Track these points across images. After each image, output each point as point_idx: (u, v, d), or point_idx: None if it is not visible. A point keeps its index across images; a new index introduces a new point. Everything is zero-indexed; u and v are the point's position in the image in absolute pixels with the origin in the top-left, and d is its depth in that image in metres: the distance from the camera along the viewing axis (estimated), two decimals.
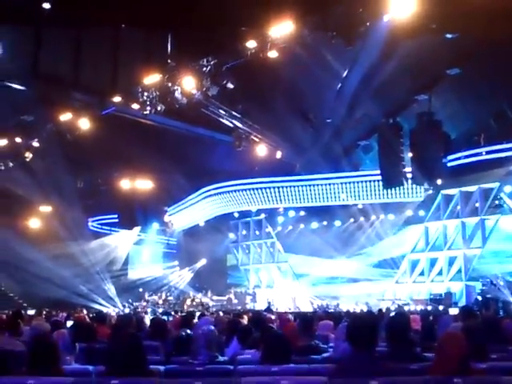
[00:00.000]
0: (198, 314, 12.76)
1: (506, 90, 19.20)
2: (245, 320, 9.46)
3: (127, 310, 25.04)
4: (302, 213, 28.71)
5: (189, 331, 6.28)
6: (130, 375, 4.52)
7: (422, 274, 25.08)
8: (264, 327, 7.73)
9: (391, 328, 5.41)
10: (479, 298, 21.32)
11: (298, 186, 26.81)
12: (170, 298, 28.81)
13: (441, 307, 19.54)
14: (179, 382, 4.67)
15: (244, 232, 31.48)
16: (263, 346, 5.42)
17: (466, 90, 19.92)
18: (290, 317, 10.90)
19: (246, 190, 27.86)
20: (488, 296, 20.69)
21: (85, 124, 20.81)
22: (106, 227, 31.42)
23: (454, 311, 15.16)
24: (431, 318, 10.86)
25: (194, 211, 30.35)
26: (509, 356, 5.25)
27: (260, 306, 25.86)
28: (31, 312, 17.66)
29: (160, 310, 23.63)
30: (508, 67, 17.66)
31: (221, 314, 14.63)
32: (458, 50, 18.05)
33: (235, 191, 28.23)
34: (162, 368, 5.20)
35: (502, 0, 13.70)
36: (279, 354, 5.18)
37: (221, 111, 22.01)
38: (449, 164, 21.71)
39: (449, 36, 17.48)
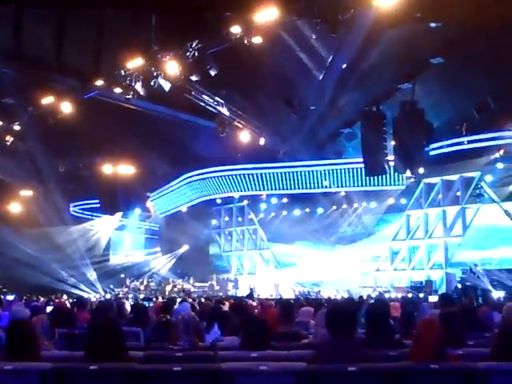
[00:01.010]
0: (179, 300, 12.76)
1: (488, 79, 19.29)
2: (226, 306, 9.49)
3: (108, 296, 24.99)
4: (285, 200, 28.76)
5: (168, 317, 6.29)
6: (108, 361, 4.52)
7: (402, 261, 25.31)
8: (244, 313, 7.77)
9: (370, 315, 5.46)
10: (459, 285, 21.58)
11: (280, 173, 26.86)
12: (152, 284, 28.79)
13: (421, 295, 19.78)
14: (158, 367, 4.66)
15: (226, 218, 31.50)
16: (243, 332, 5.44)
17: (449, 80, 19.97)
18: (272, 303, 10.93)
19: (228, 176, 27.85)
20: (467, 284, 20.95)
21: (67, 108, 20.56)
22: (87, 212, 31.22)
23: (433, 299, 15.34)
24: (411, 305, 10.98)
25: (177, 197, 30.29)
26: (485, 342, 5.31)
27: (242, 292, 25.94)
28: (10, 297, 17.53)
29: (141, 296, 23.61)
30: (491, 57, 17.74)
31: (202, 300, 14.64)
32: (441, 39, 18.08)
33: (218, 177, 28.21)
34: (141, 354, 5.18)
35: None
36: (259, 340, 5.20)
37: (204, 97, 21.86)
38: (431, 153, 21.83)
39: (433, 25, 17.47)
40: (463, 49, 18.08)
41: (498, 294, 19.84)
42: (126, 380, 4.49)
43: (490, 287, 20.76)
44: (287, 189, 27.14)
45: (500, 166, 22.21)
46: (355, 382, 4.34)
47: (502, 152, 21.65)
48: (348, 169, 25.64)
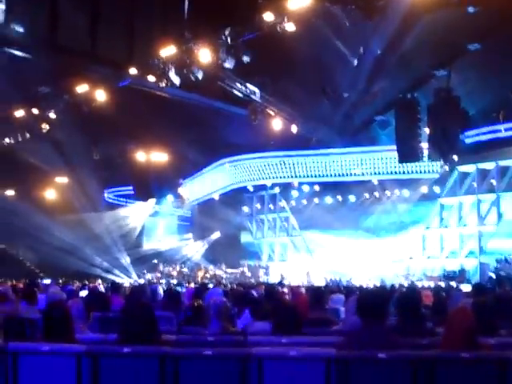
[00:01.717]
0: (211, 286, 12.89)
1: None
2: (262, 289, 9.58)
3: (142, 281, 25.33)
4: (317, 187, 28.67)
5: (200, 302, 6.36)
6: (141, 344, 4.61)
7: (435, 250, 25.06)
8: (275, 299, 7.82)
9: (402, 303, 5.45)
10: (493, 275, 21.28)
11: (313, 161, 26.77)
12: (184, 269, 29.07)
13: (453, 284, 19.58)
14: (190, 351, 4.73)
15: (258, 206, 31.57)
16: (274, 317, 5.48)
17: (486, 66, 19.61)
18: (303, 290, 10.97)
19: (260, 163, 27.87)
20: (502, 273, 20.64)
21: (101, 96, 20.79)
22: (121, 199, 31.65)
23: (466, 288, 15.18)
24: (443, 294, 10.88)
25: (209, 184, 30.44)
26: None
27: (273, 279, 26.03)
28: (47, 281, 17.92)
29: (174, 282, 23.87)
30: None
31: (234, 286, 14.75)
32: (479, 25, 17.70)
33: (250, 164, 28.25)
34: (173, 337, 5.27)
35: None
36: (289, 326, 5.23)
37: (237, 84, 21.86)
38: (466, 140, 21.49)
39: (470, 10, 17.13)
40: (501, 35, 17.72)
41: None
42: (159, 363, 4.57)
43: None
44: (319, 176, 27.07)
45: None
46: (385, 370, 4.34)
47: None
48: (381, 156, 25.41)
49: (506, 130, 21.87)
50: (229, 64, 18.75)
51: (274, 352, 4.61)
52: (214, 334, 5.46)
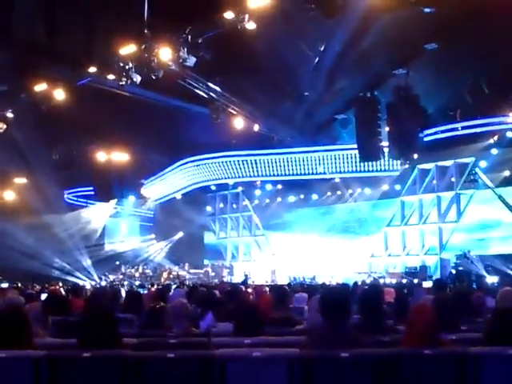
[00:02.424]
0: (173, 286, 12.78)
1: (482, 65, 19.25)
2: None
3: (104, 283, 25.00)
4: (280, 186, 28.74)
5: (162, 304, 6.29)
6: (101, 348, 4.52)
7: (397, 247, 25.37)
8: (238, 300, 7.79)
9: (364, 300, 5.48)
10: (453, 271, 21.67)
11: (275, 159, 26.81)
12: (147, 270, 28.79)
13: (415, 280, 19.84)
14: (152, 354, 4.66)
15: (221, 205, 31.50)
16: (235, 318, 5.44)
17: (444, 65, 19.89)
18: (266, 289, 10.96)
19: (223, 162, 27.79)
20: (461, 269, 21.04)
21: (60, 95, 20.43)
22: (81, 200, 31.14)
23: (427, 284, 15.40)
24: (405, 290, 11.02)
25: (171, 184, 30.23)
26: (478, 327, 5.33)
27: (237, 279, 26.00)
28: (5, 285, 17.51)
29: (137, 283, 23.63)
30: (484, 43, 17.67)
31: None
32: (435, 25, 17.98)
33: (212, 164, 28.14)
34: (135, 340, 5.18)
35: None
36: (251, 326, 5.20)
37: (198, 83, 21.74)
38: (425, 139, 21.80)
39: (427, 10, 17.39)
40: (457, 34, 17.99)
41: (491, 280, 19.94)
42: (120, 367, 4.50)
43: (484, 273, 20.86)
44: (282, 175, 27.10)
45: (494, 151, 22.21)
46: (348, 368, 4.35)
47: (496, 138, 21.65)
48: (342, 155, 25.60)
49: (462, 128, 22.26)
50: (190, 63, 18.65)
51: (236, 353, 4.58)
52: (176, 336, 5.39)
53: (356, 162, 24.53)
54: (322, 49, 20.68)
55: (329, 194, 28.58)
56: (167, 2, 18.52)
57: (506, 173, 22.62)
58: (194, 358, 4.62)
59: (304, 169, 26.49)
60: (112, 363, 4.51)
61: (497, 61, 18.33)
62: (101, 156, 27.85)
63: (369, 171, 25.33)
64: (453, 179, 23.89)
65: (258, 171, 27.28)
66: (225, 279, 26.41)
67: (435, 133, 22.50)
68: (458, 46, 18.43)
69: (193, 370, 4.57)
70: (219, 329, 6.20)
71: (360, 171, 25.48)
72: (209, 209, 32.07)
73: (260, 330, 5.28)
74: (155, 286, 16.62)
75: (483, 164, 22.92)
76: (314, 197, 29.01)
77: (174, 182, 29.99)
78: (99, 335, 4.62)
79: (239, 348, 4.80)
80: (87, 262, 27.41)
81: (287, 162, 26.64)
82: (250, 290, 12.49)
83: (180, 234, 31.39)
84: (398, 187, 26.24)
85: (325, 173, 26.29)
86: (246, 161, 27.24)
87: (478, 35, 17.29)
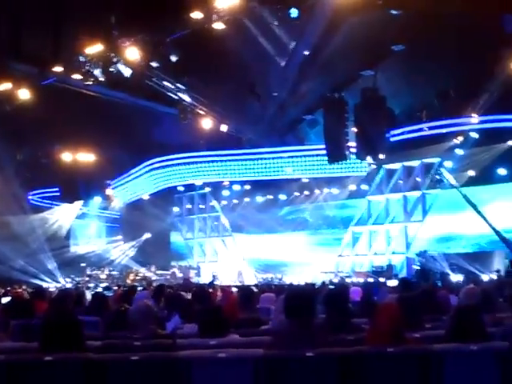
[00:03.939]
0: (139, 288, 12.66)
1: (448, 66, 19.53)
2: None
3: (69, 285, 24.63)
4: (247, 187, 28.70)
5: (127, 306, 6.21)
6: (64, 351, 4.43)
7: (364, 246, 25.58)
8: (205, 301, 7.74)
9: (329, 300, 5.48)
10: (417, 268, 21.92)
11: (243, 160, 26.75)
12: (114, 272, 28.45)
13: (382, 279, 20.05)
14: (115, 357, 4.58)
15: (189, 206, 31.33)
16: (201, 319, 5.40)
17: (411, 67, 20.15)
18: (233, 290, 10.93)
19: (190, 163, 27.61)
20: (426, 267, 21.30)
21: (24, 94, 20.10)
22: (46, 201, 30.60)
23: (393, 283, 15.55)
24: (372, 289, 11.09)
25: (138, 185, 29.92)
26: (442, 325, 5.38)
27: (204, 280, 25.88)
28: None
29: (103, 285, 23.34)
30: (451, 46, 17.95)
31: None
32: (403, 27, 18.18)
33: (180, 164, 27.94)
34: (98, 343, 5.10)
35: None
36: (217, 328, 5.16)
37: (165, 83, 21.61)
38: (392, 139, 22.05)
39: (394, 12, 17.58)
40: (424, 37, 18.23)
41: (456, 278, 20.25)
42: (83, 370, 4.42)
43: (449, 271, 21.18)
44: (250, 176, 27.05)
45: (459, 152, 22.55)
46: (313, 368, 4.34)
47: (461, 138, 21.99)
48: (310, 155, 25.69)
49: (429, 128, 22.56)
50: (157, 62, 18.57)
51: (201, 355, 4.54)
52: (141, 339, 5.31)
53: (324, 162, 24.65)
54: (290, 49, 20.76)
55: (297, 194, 28.66)
56: (135, 2, 18.40)
57: (471, 172, 22.98)
58: (158, 360, 4.56)
59: (272, 169, 26.49)
60: (74, 367, 4.44)
61: (463, 62, 18.61)
62: (66, 156, 27.44)
63: (336, 171, 25.46)
64: (419, 179, 24.19)
65: (225, 172, 27.18)
66: (192, 280, 26.26)
67: (402, 133, 22.75)
68: (424, 48, 18.69)
69: (157, 372, 4.53)
70: (185, 330, 6.14)
71: (328, 171, 25.58)
72: (176, 209, 31.85)
73: (226, 331, 5.24)
74: (122, 288, 16.44)
75: (448, 164, 23.25)
76: (282, 197, 29.06)
77: (140, 182, 29.71)
78: (61, 338, 4.53)
79: (205, 349, 4.75)
80: (52, 265, 26.96)
81: (255, 162, 26.61)
82: (218, 291, 12.45)
83: (147, 235, 31.12)
84: (365, 187, 26.45)
85: (293, 174, 26.34)
86: (214, 161, 27.13)
87: (444, 38, 17.56)
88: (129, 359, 4.50)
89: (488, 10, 16.14)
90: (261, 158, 26.43)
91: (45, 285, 23.11)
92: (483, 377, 4.45)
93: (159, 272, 28.22)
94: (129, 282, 25.62)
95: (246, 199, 29.87)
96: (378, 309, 4.68)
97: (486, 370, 4.45)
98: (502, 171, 22.26)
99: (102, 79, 18.90)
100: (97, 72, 18.76)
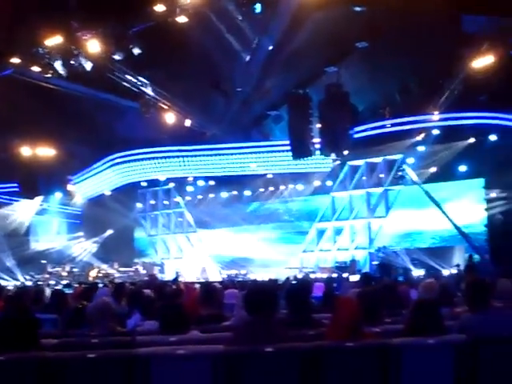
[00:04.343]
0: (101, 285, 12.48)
1: (411, 64, 19.75)
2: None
3: (29, 283, 24.16)
4: (212, 182, 28.56)
5: (85, 303, 6.10)
6: (19, 349, 4.32)
7: (328, 242, 25.74)
8: (166, 298, 7.67)
9: (291, 295, 5.47)
10: (378, 264, 22.15)
11: (207, 155, 26.58)
12: (75, 269, 28.02)
13: (345, 274, 20.19)
14: (72, 355, 4.47)
15: (152, 202, 31.02)
16: (161, 316, 5.34)
17: (374, 64, 20.31)
18: (196, 286, 10.85)
19: (154, 158, 27.31)
20: (386, 262, 21.55)
21: None
22: (5, 197, 29.94)
23: (355, 278, 15.67)
24: (335, 284, 11.17)
25: (100, 180, 29.47)
26: (402, 319, 5.42)
27: (168, 276, 25.70)
28: None
29: (63, 282, 22.96)
30: (413, 43, 18.14)
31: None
32: (366, 24, 18.33)
33: (143, 159, 27.61)
34: (55, 341, 4.99)
35: None
36: (176, 324, 5.10)
37: (128, 77, 21.32)
38: (355, 136, 22.18)
39: (357, 9, 17.70)
40: (387, 34, 18.40)
41: (418, 273, 20.53)
42: (38, 369, 4.30)
43: (411, 266, 21.46)
44: (214, 171, 26.91)
45: (421, 148, 22.85)
46: (273, 363, 4.32)
47: (422, 135, 22.27)
48: (275, 151, 25.69)
49: (391, 125, 22.78)
50: (119, 56, 18.31)
51: (160, 351, 4.48)
52: (99, 336, 5.22)
53: (288, 158, 24.70)
54: (254, 45, 20.70)
55: (262, 190, 28.66)
56: None
57: (432, 169, 23.31)
58: (116, 358, 4.48)
59: (237, 165, 26.40)
60: (29, 366, 4.33)
61: (425, 61, 18.84)
62: (25, 151, 26.84)
63: (301, 167, 25.54)
64: (382, 175, 24.44)
65: (189, 167, 26.94)
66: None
67: (365, 130, 22.91)
68: (388, 46, 18.85)
69: (115, 370, 4.45)
70: (146, 327, 6.07)
71: (292, 167, 25.64)
72: (139, 205, 31.50)
73: (186, 328, 5.18)
74: (82, 286, 16.19)
75: (411, 161, 23.55)
76: (247, 193, 29.02)
77: (103, 177, 29.27)
78: (17, 336, 4.42)
79: (164, 346, 4.68)
80: (11, 262, 26.41)
81: (219, 158, 26.47)
82: (181, 287, 12.35)
83: (109, 232, 30.72)
84: (329, 183, 26.60)
85: (257, 169, 26.31)
86: (178, 156, 26.89)
87: (407, 35, 17.74)
88: (86, 357, 4.40)
89: (448, 10, 16.40)
90: (225, 154, 26.29)
91: (3, 283, 22.62)
92: (440, 369, 4.50)
93: (122, 269, 27.92)
94: (90, 279, 25.27)
95: (211, 195, 29.75)
96: (337, 304, 4.67)
97: (443, 363, 4.50)
98: (462, 168, 22.62)
99: (62, 72, 18.53)
100: (57, 64, 18.39)
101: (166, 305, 5.62)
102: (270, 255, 27.23)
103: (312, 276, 21.37)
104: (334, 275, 20.54)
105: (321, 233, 26.03)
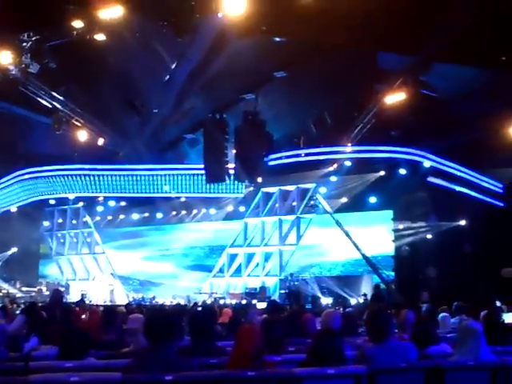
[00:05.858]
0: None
1: (326, 96, 20.26)
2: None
3: None
4: (123, 203, 28.01)
5: None
6: None
7: (239, 268, 25.75)
8: (67, 321, 7.39)
9: (194, 322, 5.38)
10: (287, 291, 22.33)
11: (119, 175, 26.06)
12: None
13: (255, 301, 20.22)
14: None
15: (60, 220, 30.04)
16: (60, 341, 5.12)
17: (291, 93, 20.67)
18: (99, 310, 10.50)
19: (64, 175, 26.48)
20: (295, 290, 21.78)
21: None
22: None
23: (263, 305, 15.71)
24: (243, 311, 11.10)
25: (5, 196, 28.19)
26: (305, 348, 5.44)
27: (73, 298, 24.79)
28: None
29: None
30: (329, 75, 18.65)
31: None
32: (285, 54, 18.70)
33: (51, 177, 26.71)
34: None
35: (329, 10, 14.36)
36: (76, 349, 4.90)
37: (41, 91, 20.63)
38: (270, 163, 22.47)
39: (277, 39, 18.04)
40: (304, 65, 18.85)
41: (326, 301, 20.87)
42: None
43: (320, 294, 21.78)
44: (126, 192, 26.39)
45: (333, 178, 23.42)
46: None
47: (335, 166, 22.85)
48: (189, 174, 25.57)
49: (305, 154, 23.26)
50: (33, 69, 17.73)
51: (52, 378, 4.26)
52: None
53: (202, 182, 24.64)
54: (173, 67, 20.61)
55: (174, 212, 28.38)
56: (10, 3, 17.46)
57: (343, 199, 23.89)
58: None
59: (149, 187, 26.02)
60: None
61: (340, 94, 19.38)
62: None
63: (214, 192, 25.53)
64: (294, 203, 24.83)
65: (100, 187, 26.32)
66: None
67: (280, 158, 23.27)
68: (305, 77, 19.29)
69: None
70: (43, 352, 5.78)
71: (206, 192, 25.58)
72: (46, 224, 30.38)
73: (84, 353, 4.97)
74: None
75: (323, 190, 24.06)
76: (159, 215, 28.64)
77: (8, 193, 28.02)
78: None
79: (60, 372, 4.46)
80: None
81: (132, 179, 26.02)
82: (84, 311, 11.93)
83: (13, 250, 29.36)
84: (242, 209, 26.73)
85: (170, 192, 26.05)
86: (89, 175, 26.20)
87: (324, 69, 18.24)
88: None
89: (365, 45, 17.01)
90: (138, 175, 25.90)
91: None
92: None
93: (25, 288, 26.71)
94: None
95: (122, 216, 29.13)
96: (239, 332, 4.63)
97: None
98: (372, 199, 23.31)
99: None
100: None
101: (64, 329, 5.38)
102: (180, 279, 26.92)
103: (221, 302, 21.28)
104: (244, 301, 20.54)
105: (232, 258, 26.04)
